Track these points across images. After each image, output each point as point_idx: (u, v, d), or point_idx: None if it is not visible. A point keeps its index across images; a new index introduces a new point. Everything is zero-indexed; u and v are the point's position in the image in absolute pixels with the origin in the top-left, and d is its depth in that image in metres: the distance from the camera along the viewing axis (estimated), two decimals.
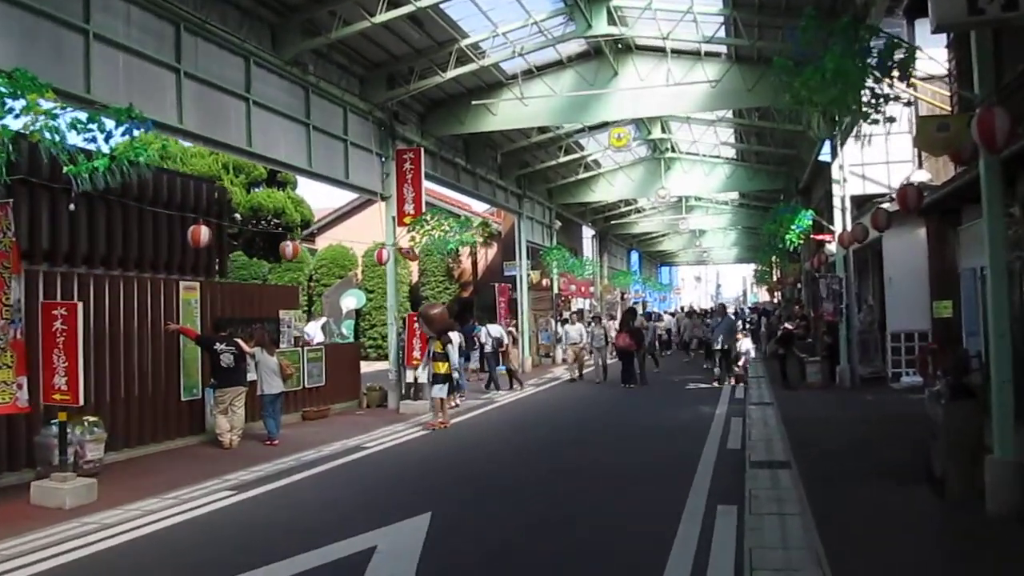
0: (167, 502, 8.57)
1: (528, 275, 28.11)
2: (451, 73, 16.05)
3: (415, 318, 16.49)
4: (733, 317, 21.01)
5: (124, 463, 10.87)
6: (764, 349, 24.51)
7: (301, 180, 15.75)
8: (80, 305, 8.52)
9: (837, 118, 13.50)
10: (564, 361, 24.41)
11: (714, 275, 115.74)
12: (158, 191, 12.57)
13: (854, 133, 10.73)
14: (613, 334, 21.47)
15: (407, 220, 17.00)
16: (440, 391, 13.76)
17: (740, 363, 19.89)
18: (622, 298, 48.67)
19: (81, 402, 8.62)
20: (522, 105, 18.59)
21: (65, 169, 7.73)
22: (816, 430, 12.08)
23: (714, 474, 9.28)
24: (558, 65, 18.59)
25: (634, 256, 53.16)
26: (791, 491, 8.05)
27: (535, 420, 14.92)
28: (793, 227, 18.27)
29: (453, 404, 16.60)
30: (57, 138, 7.41)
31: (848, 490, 8.14)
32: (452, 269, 32.73)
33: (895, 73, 6.69)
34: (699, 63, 17.63)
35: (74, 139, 7.92)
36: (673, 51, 17.72)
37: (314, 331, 27.07)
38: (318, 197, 67.67)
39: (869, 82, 6.74)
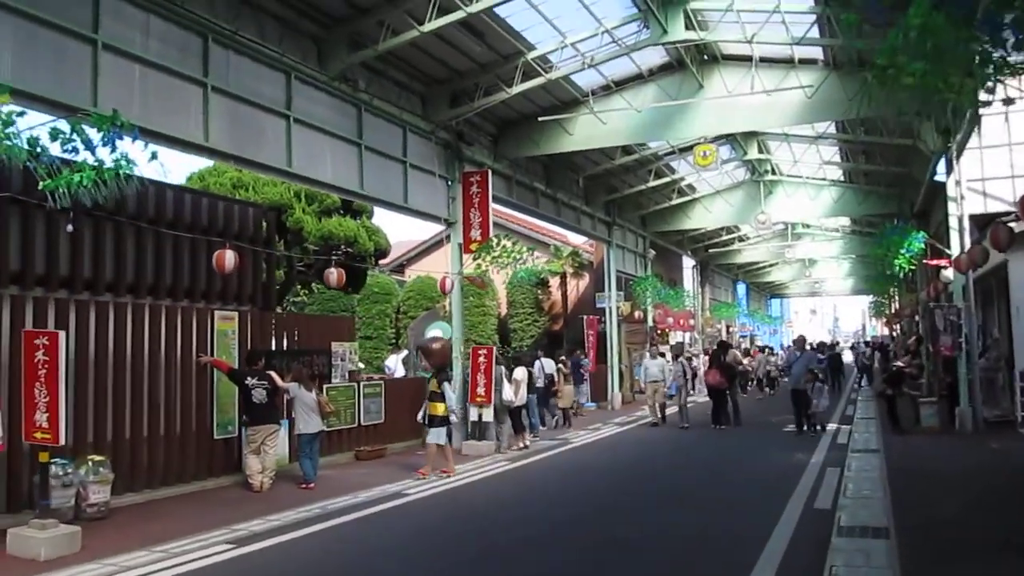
0: (155, 555, 7.60)
1: (618, 307, 26.63)
2: (518, 88, 14.94)
3: (478, 352, 15.37)
4: (812, 350, 18.39)
5: (140, 506, 10.04)
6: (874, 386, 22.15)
7: (381, 211, 14.95)
8: (62, 334, 7.69)
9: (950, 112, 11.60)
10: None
11: (831, 308, 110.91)
12: (194, 215, 11.90)
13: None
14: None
15: (473, 247, 15.93)
16: (437, 436, 12.16)
17: (813, 408, 16.45)
18: (727, 331, 46.39)
19: (62, 441, 7.77)
20: (600, 123, 17.33)
21: (41, 185, 6.95)
22: (927, 486, 10.25)
23: (790, 545, 7.65)
24: (638, 79, 17.26)
25: (740, 288, 50.76)
26: (885, 572, 6.40)
27: (597, 468, 13.49)
28: (903, 251, 16.23)
29: (521, 445, 15.34)
30: (19, 145, 6.65)
31: (962, 569, 6.44)
32: (541, 301, 31.53)
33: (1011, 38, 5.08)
34: (792, 72, 16.00)
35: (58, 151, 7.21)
36: (762, 59, 16.14)
37: (394, 364, 26.31)
38: (407, 230, 68.02)
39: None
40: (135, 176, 7.39)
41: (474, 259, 15.87)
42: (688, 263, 39.74)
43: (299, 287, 31.04)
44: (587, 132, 17.55)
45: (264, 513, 9.41)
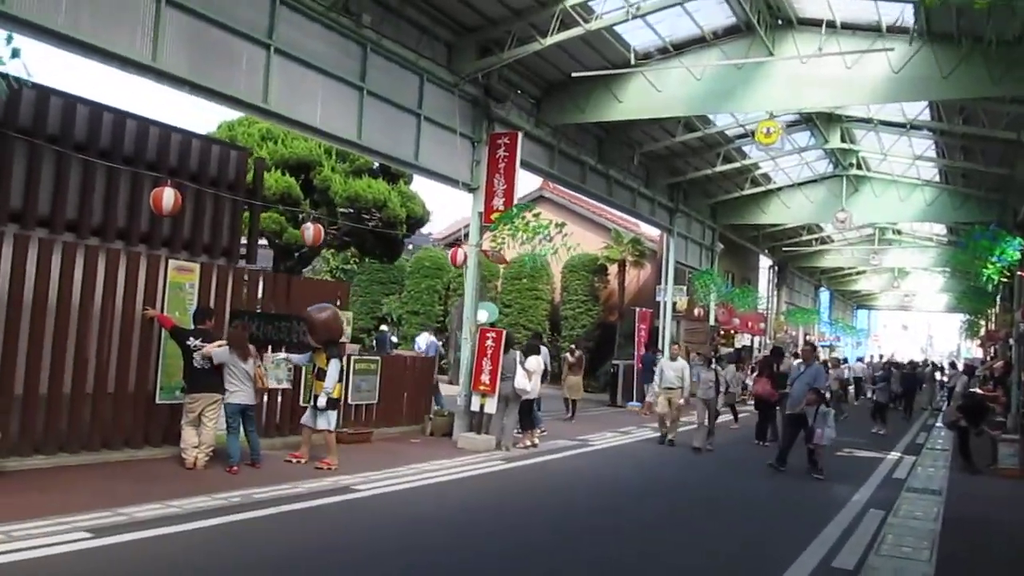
0: None
1: (674, 301, 24.57)
2: (553, 38, 13.10)
3: (486, 335, 13.71)
4: (823, 366, 13.85)
5: (41, 472, 8.70)
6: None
7: (432, 182, 13.43)
8: None
9: None
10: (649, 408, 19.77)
11: (924, 324, 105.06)
12: (147, 147, 10.53)
13: None
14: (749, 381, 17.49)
15: (494, 217, 14.23)
16: (319, 419, 10.30)
17: (815, 440, 12.24)
18: (804, 339, 43.58)
19: None
20: (654, 90, 15.38)
21: None
22: (989, 542, 8.18)
23: None
24: (700, 43, 15.21)
25: (823, 294, 47.74)
26: None
27: (598, 482, 11.66)
28: (992, 259, 13.75)
29: (527, 443, 13.64)
30: None
31: None
32: (597, 289, 29.61)
33: None
34: (879, 40, 13.72)
35: None
36: (844, 25, 13.93)
37: (425, 344, 24.76)
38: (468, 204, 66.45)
39: None
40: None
41: (491, 230, 14.16)
42: (765, 262, 37.22)
43: (331, 252, 29.93)
44: (640, 100, 15.60)
45: (172, 496, 7.96)
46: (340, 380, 10.44)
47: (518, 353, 13.74)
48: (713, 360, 16.48)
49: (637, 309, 24.75)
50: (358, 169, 19.48)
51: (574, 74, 14.55)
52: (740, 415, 19.82)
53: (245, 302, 11.51)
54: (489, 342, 13.62)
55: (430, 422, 14.57)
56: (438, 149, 13.68)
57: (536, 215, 13.72)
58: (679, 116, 17.45)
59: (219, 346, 9.59)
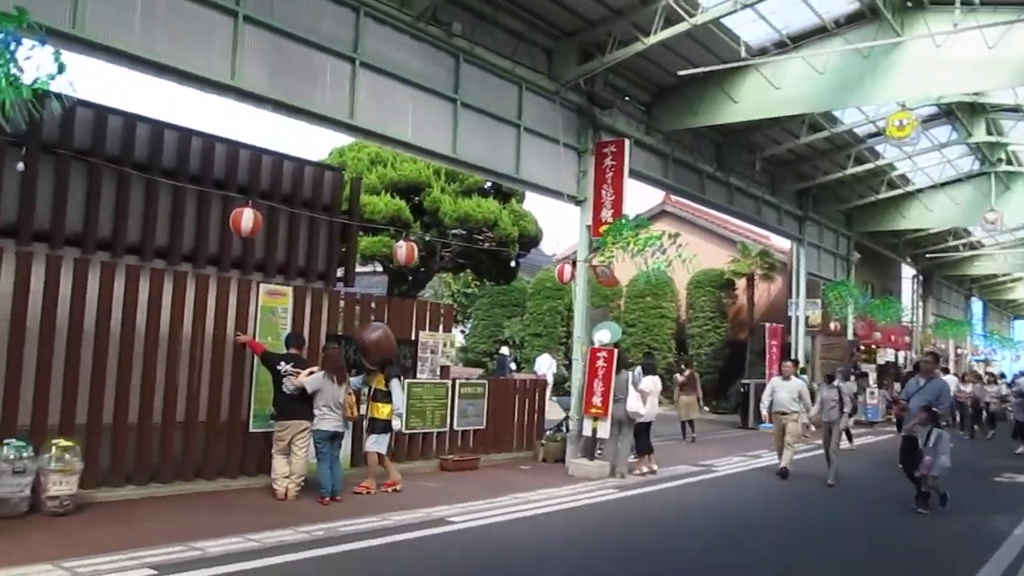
0: (61, 572, 5.95)
1: (807, 315, 23.03)
2: (657, 36, 12.28)
3: (596, 355, 12.91)
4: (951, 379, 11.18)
5: (130, 503, 8.51)
6: None
7: (546, 200, 13.03)
8: None
9: None
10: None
11: None
12: (230, 172, 10.35)
13: None
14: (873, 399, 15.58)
15: (603, 230, 13.47)
16: (378, 443, 9.90)
17: (922, 468, 10.21)
18: (955, 353, 40.42)
19: None
20: (771, 87, 14.32)
21: None
22: None
23: None
24: (820, 33, 14.04)
25: (976, 305, 44.29)
26: None
27: (705, 513, 10.65)
28: None
29: (645, 470, 12.75)
30: None
31: None
32: (725, 305, 28.25)
33: None
34: None
35: None
36: (983, 0, 12.52)
37: (546, 366, 24.13)
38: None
39: None
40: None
41: (599, 244, 13.39)
42: (908, 272, 34.72)
43: (452, 276, 29.76)
44: (757, 99, 14.55)
45: (254, 528, 7.56)
46: (390, 400, 9.89)
47: (631, 374, 12.89)
48: (838, 376, 14.36)
49: (767, 325, 23.31)
50: (468, 189, 19.14)
51: (680, 72, 13.61)
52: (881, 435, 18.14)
53: (342, 326, 11.21)
54: (600, 362, 12.82)
55: (542, 447, 13.88)
56: (541, 161, 13.07)
57: (644, 226, 12.85)
58: (801, 114, 16.19)
59: (310, 374, 9.23)
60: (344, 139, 19.94)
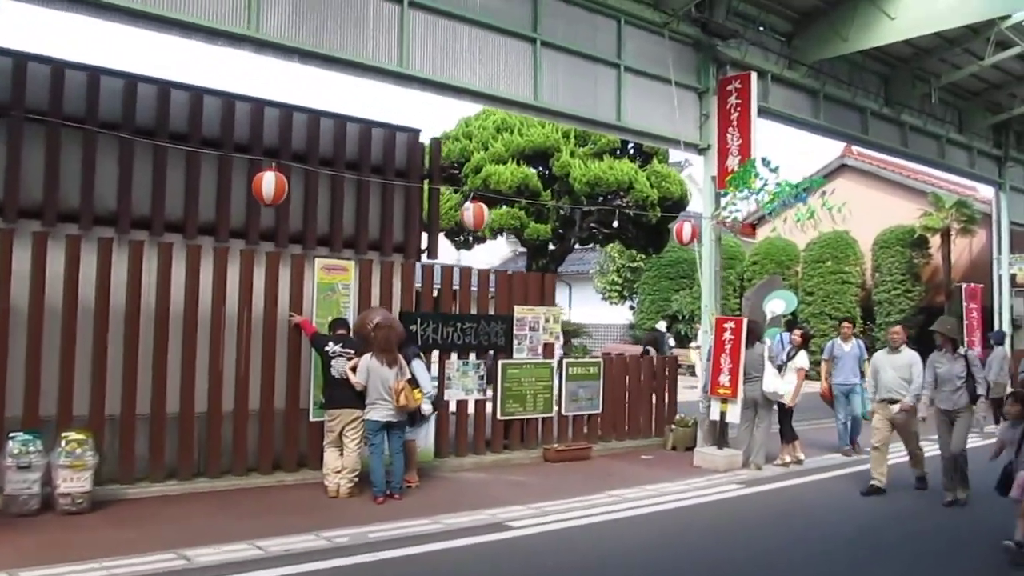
0: None
1: (1012, 272, 19.68)
2: None
3: (723, 325, 11.07)
4: None
5: (163, 500, 7.81)
6: None
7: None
8: None
9: None
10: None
11: None
12: (283, 139, 9.42)
13: None
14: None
15: (728, 179, 11.60)
16: (412, 432, 8.78)
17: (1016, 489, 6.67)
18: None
19: None
20: None
21: None
22: None
23: None
24: None
25: None
26: None
27: (836, 517, 8.60)
28: None
29: (788, 459, 10.85)
30: None
31: None
32: (917, 266, 24.87)
33: None
34: None
35: None
36: None
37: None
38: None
39: None
40: None
41: (723, 195, 11.53)
42: None
43: (617, 249, 28.08)
44: (916, 12, 12.03)
45: (275, 533, 6.61)
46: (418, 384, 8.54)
47: (765, 347, 11.01)
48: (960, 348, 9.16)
49: (964, 286, 20.10)
50: (600, 151, 17.55)
51: None
52: None
53: (424, 302, 10.17)
54: (728, 334, 10.98)
55: (671, 434, 12.23)
56: (649, 105, 11.35)
57: (773, 168, 10.87)
58: (977, 23, 13.27)
59: (354, 368, 8.18)
60: (472, 108, 18.91)
